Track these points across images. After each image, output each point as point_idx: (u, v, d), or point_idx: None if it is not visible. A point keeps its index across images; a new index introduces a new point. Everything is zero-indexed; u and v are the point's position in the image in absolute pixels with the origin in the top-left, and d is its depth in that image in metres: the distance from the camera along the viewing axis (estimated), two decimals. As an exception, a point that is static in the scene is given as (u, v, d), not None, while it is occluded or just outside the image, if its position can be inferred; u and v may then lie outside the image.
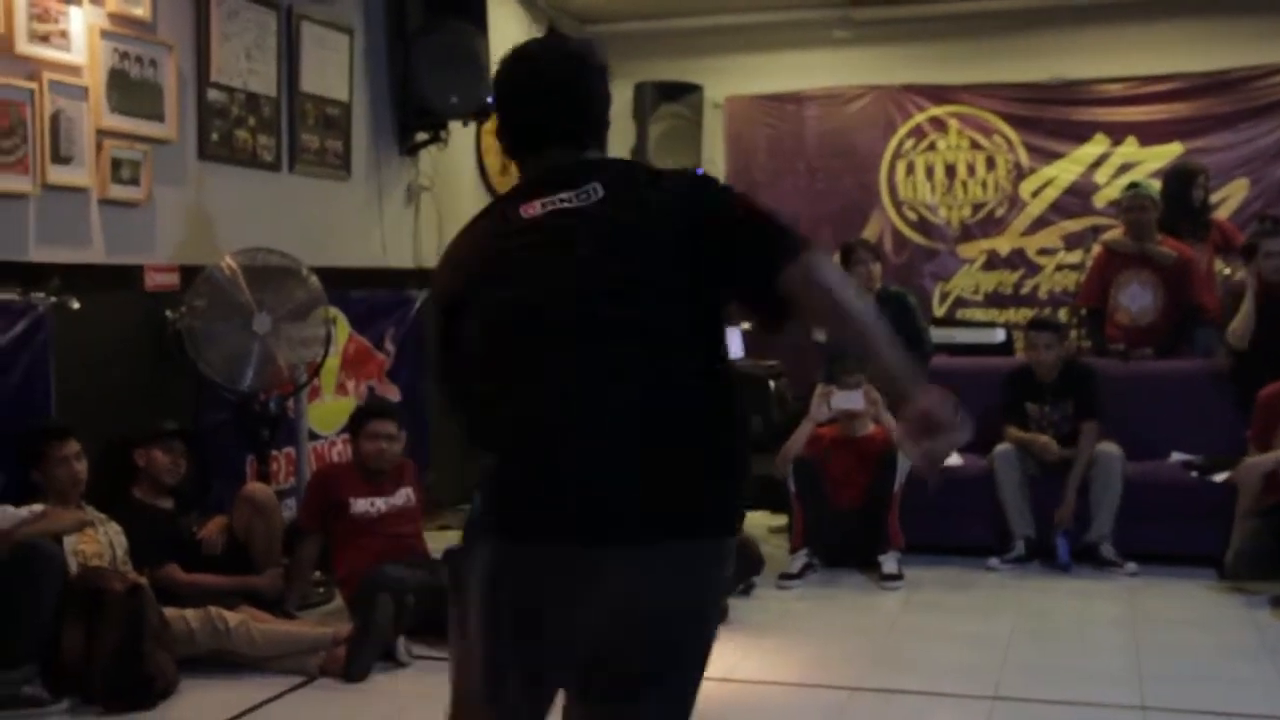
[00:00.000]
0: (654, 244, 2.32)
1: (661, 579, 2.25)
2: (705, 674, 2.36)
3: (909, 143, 9.18)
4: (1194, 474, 6.35)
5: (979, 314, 8.93)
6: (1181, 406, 6.63)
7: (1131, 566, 6.15)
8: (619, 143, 9.18)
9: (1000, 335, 8.21)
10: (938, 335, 7.71)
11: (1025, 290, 9.02)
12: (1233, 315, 6.62)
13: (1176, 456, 6.52)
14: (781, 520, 6.68)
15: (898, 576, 6.03)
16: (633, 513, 2.22)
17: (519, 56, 2.52)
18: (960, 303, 9.12)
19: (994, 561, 6.32)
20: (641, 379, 2.25)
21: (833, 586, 6.08)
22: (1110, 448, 6.29)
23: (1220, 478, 6.14)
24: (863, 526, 6.18)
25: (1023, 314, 8.68)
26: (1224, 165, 8.45)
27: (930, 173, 9.16)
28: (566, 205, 2.34)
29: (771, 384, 7.85)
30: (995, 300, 9.06)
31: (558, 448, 2.24)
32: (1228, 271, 7.31)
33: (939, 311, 9.03)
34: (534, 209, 2.35)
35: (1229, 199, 8.47)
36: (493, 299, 2.34)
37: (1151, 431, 6.55)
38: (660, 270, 2.30)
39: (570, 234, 2.32)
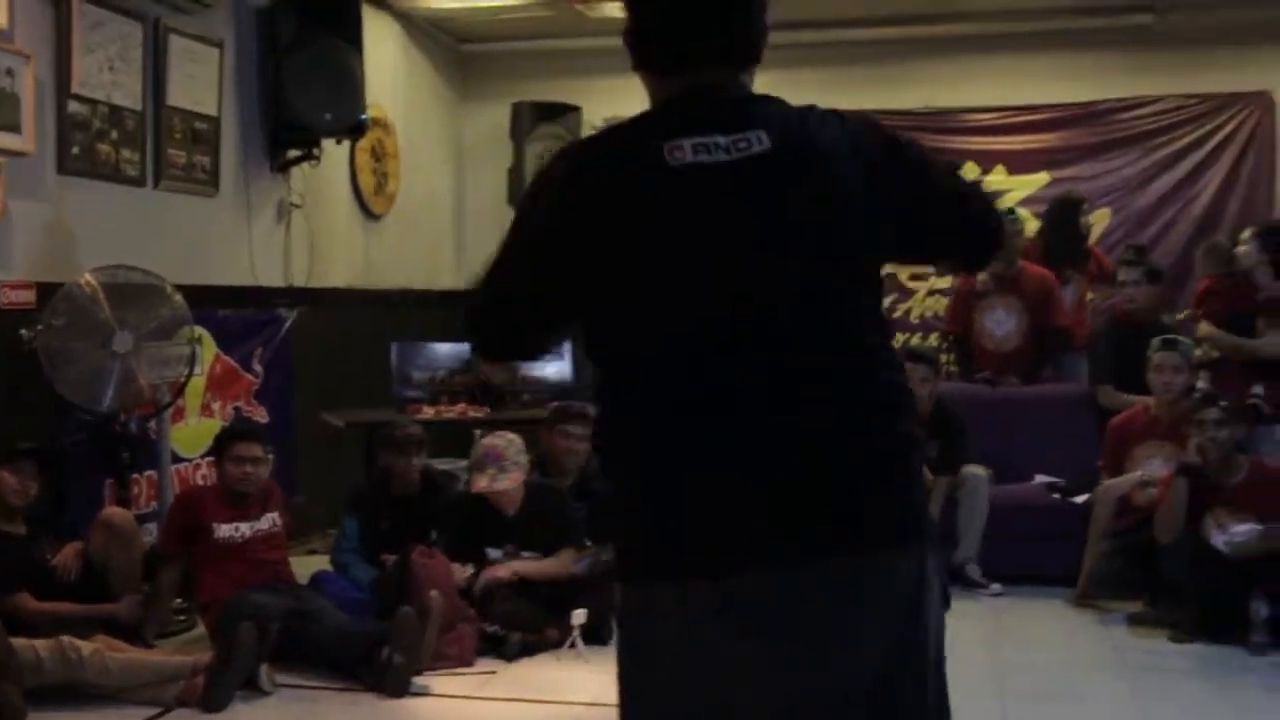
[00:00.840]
0: (838, 224, 1.94)
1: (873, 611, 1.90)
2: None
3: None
4: (1057, 496, 6.50)
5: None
6: (1045, 430, 6.77)
7: (996, 587, 6.25)
8: (496, 163, 9.21)
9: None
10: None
11: (898, 314, 9.14)
12: (1102, 341, 6.82)
13: (1040, 479, 6.66)
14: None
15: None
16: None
17: None
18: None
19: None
20: (838, 398, 1.92)
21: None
22: (977, 470, 6.40)
23: (1080, 499, 6.30)
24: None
25: (896, 338, 8.82)
26: (1090, 194, 8.64)
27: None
28: (723, 158, 1.90)
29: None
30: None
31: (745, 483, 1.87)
32: (1097, 299, 7.51)
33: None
34: (683, 152, 1.90)
35: (1096, 224, 8.70)
36: (642, 282, 1.93)
37: (1016, 455, 6.69)
38: (845, 256, 1.95)
39: (735, 204, 1.91)
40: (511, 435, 5.64)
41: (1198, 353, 6.37)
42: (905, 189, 2.00)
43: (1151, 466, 5.96)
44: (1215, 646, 5.32)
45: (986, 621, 5.82)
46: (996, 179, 8.97)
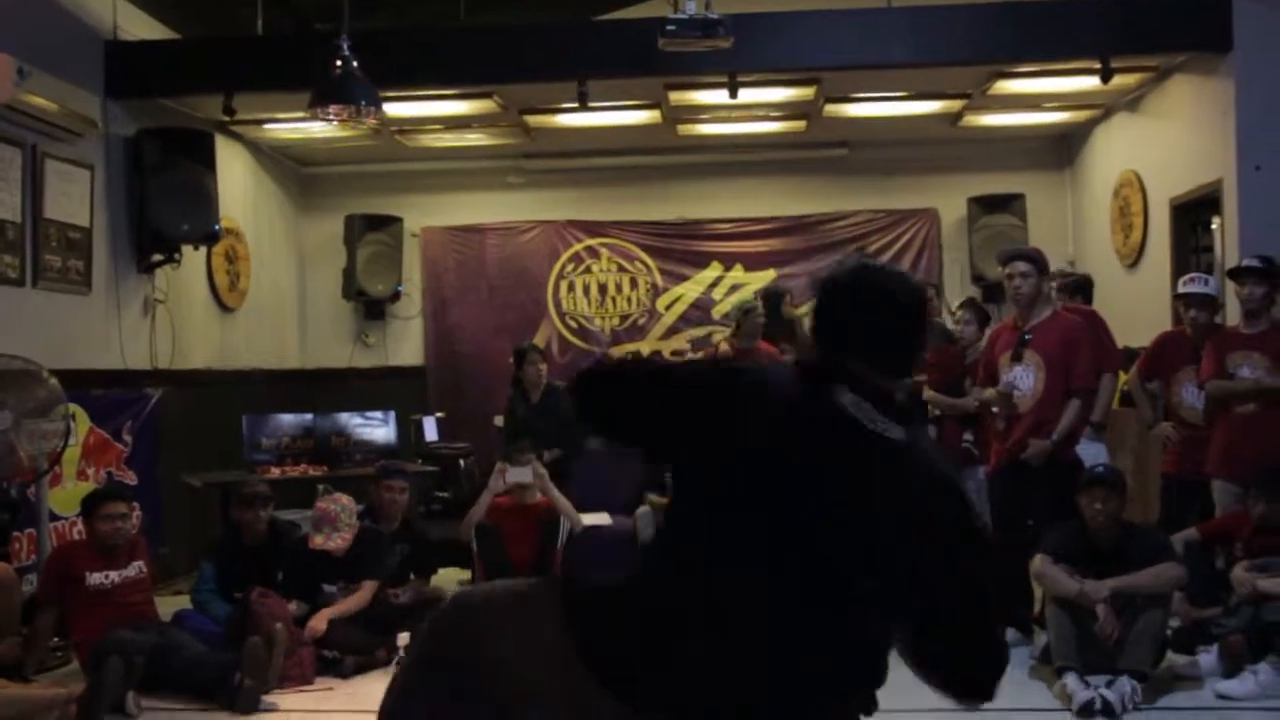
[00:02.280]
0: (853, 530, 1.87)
1: None
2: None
3: (570, 266, 9.35)
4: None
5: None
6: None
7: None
8: (331, 265, 9.05)
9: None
10: (593, 419, 7.84)
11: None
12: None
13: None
14: (467, 575, 6.60)
15: (561, 615, 6.03)
16: None
17: (882, 277, 2.07)
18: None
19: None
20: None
21: (509, 627, 6.01)
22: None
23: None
24: (533, 577, 6.16)
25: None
26: (806, 287, 8.97)
27: (587, 290, 9.34)
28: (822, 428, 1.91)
29: (462, 463, 7.79)
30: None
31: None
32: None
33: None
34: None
35: (810, 312, 8.98)
36: (735, 469, 1.92)
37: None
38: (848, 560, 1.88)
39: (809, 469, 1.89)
40: (345, 500, 5.50)
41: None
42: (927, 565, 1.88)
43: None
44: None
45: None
46: (736, 275, 9.22)
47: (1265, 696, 4.42)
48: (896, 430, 1.93)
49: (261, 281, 8.59)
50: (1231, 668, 4.66)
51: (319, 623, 5.09)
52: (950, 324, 6.67)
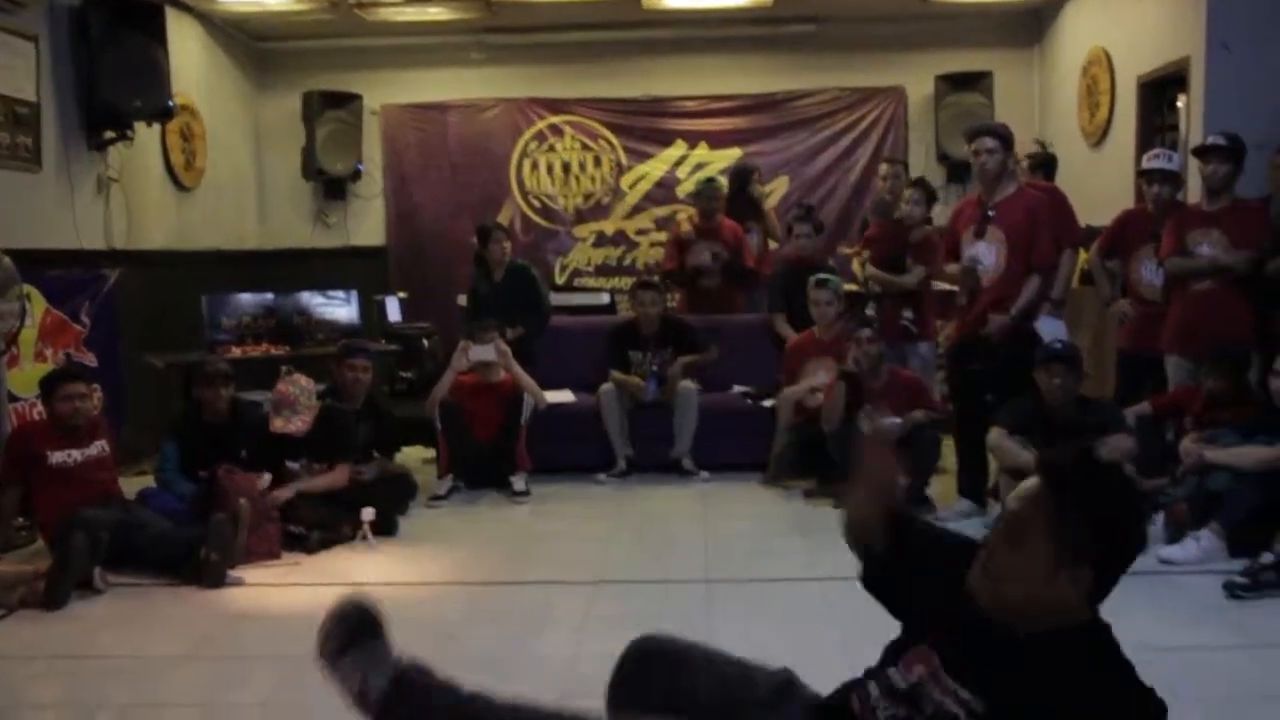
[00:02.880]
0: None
1: None
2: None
3: (533, 144, 9.22)
4: (750, 401, 6.72)
5: (591, 282, 9.11)
6: (738, 350, 6.98)
7: (705, 475, 6.46)
8: (290, 144, 8.88)
9: (605, 298, 8.42)
10: (558, 299, 7.84)
11: (627, 262, 9.24)
12: (777, 281, 7.04)
13: (736, 389, 6.88)
14: (431, 453, 6.65)
15: (525, 493, 6.12)
16: None
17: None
18: (576, 273, 9.26)
19: (602, 477, 6.50)
20: None
21: (474, 504, 6.08)
22: (688, 384, 6.57)
23: (767, 403, 6.54)
24: (497, 454, 6.22)
25: (625, 281, 8.91)
26: (771, 166, 8.91)
27: (550, 169, 9.23)
28: None
29: (425, 342, 7.79)
30: (604, 271, 9.26)
31: None
32: (775, 245, 7.75)
33: (560, 281, 9.14)
34: None
35: (775, 192, 8.95)
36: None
37: (716, 370, 6.85)
38: None
39: None
40: (304, 382, 5.47)
41: (850, 287, 6.66)
42: None
43: (818, 377, 6.23)
44: (866, 510, 5.62)
45: (699, 503, 6.00)
46: (701, 153, 9.13)
47: (1205, 561, 4.56)
48: None
49: (218, 160, 8.43)
50: (1175, 534, 4.80)
51: (284, 492, 5.13)
52: (906, 195, 6.67)
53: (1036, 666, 1.79)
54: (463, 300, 7.47)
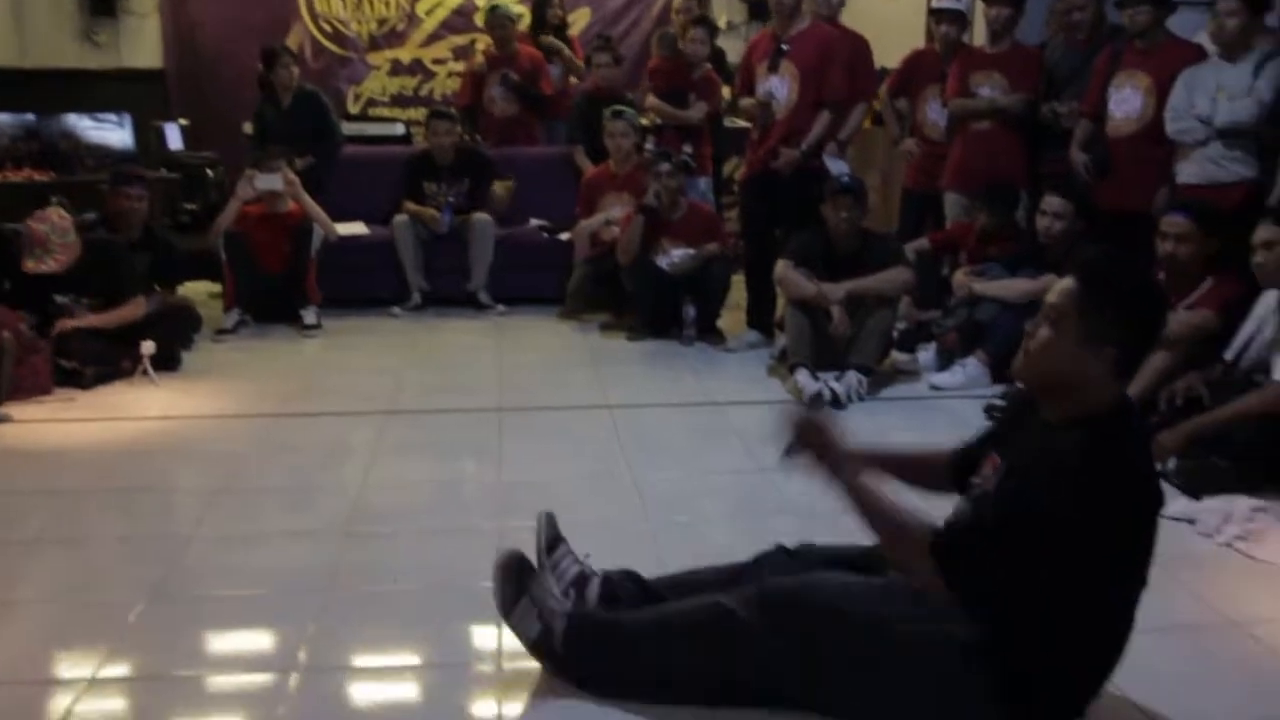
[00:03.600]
0: None
1: None
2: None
3: (322, -37, 8.73)
4: (545, 235, 6.71)
5: (386, 112, 8.80)
6: (536, 183, 6.91)
7: (501, 308, 6.45)
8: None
9: (400, 129, 8.16)
10: (351, 129, 7.57)
11: (423, 93, 8.94)
12: (577, 112, 6.96)
13: (533, 222, 6.84)
14: (217, 288, 6.40)
15: (316, 326, 5.98)
16: None
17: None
18: (371, 103, 8.91)
19: (396, 310, 6.41)
20: None
21: (262, 339, 5.90)
22: (483, 216, 6.49)
23: (563, 236, 6.54)
24: (286, 287, 6.03)
25: (421, 113, 8.59)
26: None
27: (342, -9, 8.78)
28: None
29: (209, 172, 7.40)
30: (399, 101, 8.93)
31: None
32: (575, 81, 7.62)
33: (354, 110, 8.78)
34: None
35: (577, 22, 8.76)
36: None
37: (516, 203, 6.76)
38: None
39: None
40: (55, 218, 4.98)
41: (644, 121, 6.65)
42: None
43: (614, 210, 6.25)
44: (658, 341, 5.75)
45: (493, 335, 6.00)
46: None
47: (970, 386, 4.88)
48: None
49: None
50: (945, 362, 5.11)
51: (66, 324, 4.87)
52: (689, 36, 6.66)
53: (1054, 441, 2.10)
54: (248, 128, 7.11)
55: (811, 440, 2.23)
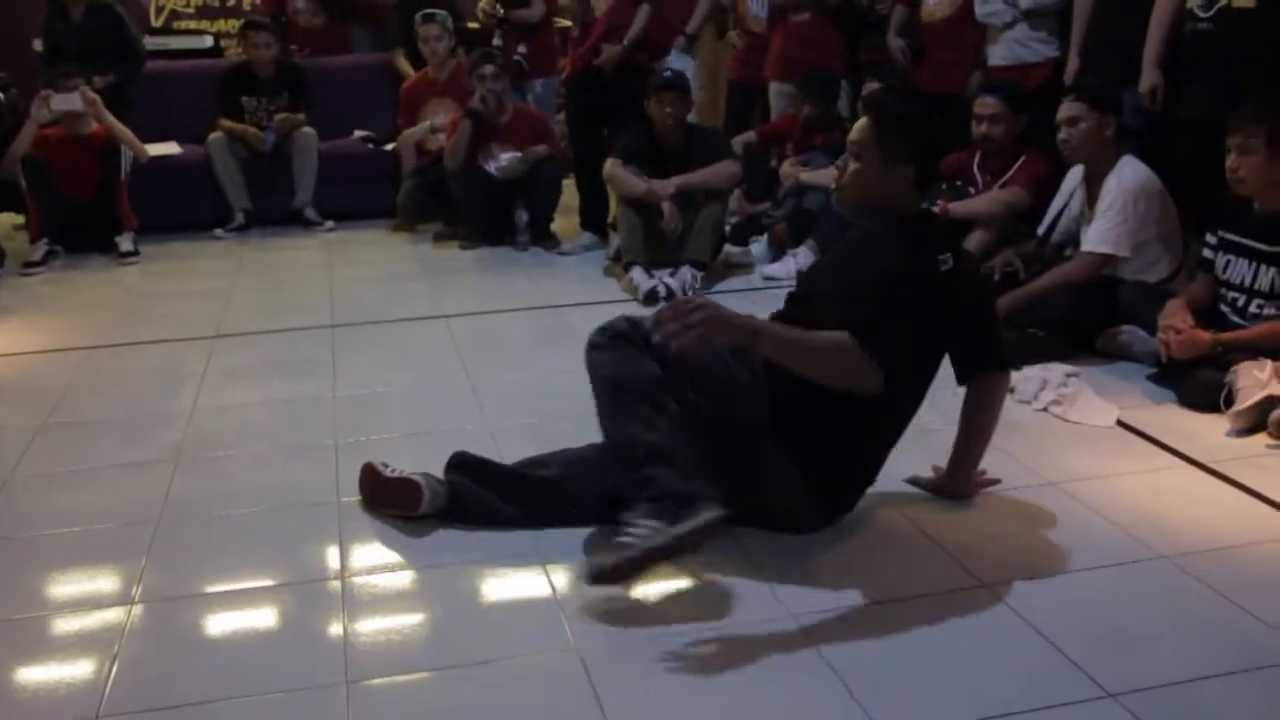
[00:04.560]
0: None
1: None
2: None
3: None
4: (370, 146, 6.52)
5: (192, 25, 8.34)
6: (356, 94, 6.70)
7: (330, 224, 6.27)
8: None
9: (208, 41, 7.77)
10: (154, 43, 7.16)
11: (231, 3, 8.51)
12: (399, 12, 6.71)
13: (357, 134, 6.63)
14: (21, 219, 6.03)
15: (134, 253, 5.71)
16: None
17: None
18: (175, 15, 8.43)
19: (219, 232, 6.17)
20: None
21: (76, 270, 5.60)
22: (307, 131, 6.26)
23: (389, 147, 6.37)
24: (98, 214, 5.73)
25: (231, 24, 8.20)
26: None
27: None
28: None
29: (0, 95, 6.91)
30: (206, 13, 8.45)
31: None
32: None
33: (156, 24, 8.29)
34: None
35: None
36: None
37: (334, 116, 6.53)
38: None
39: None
40: None
41: (479, 19, 6.43)
42: None
43: (438, 117, 6.10)
44: (492, 249, 5.70)
45: (323, 252, 5.84)
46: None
47: (803, 275, 4.99)
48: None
49: None
50: (777, 253, 5.21)
51: None
52: None
53: (871, 229, 2.60)
54: (39, 45, 6.65)
55: (694, 319, 2.21)
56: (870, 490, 2.69)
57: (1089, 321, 3.87)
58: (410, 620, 2.35)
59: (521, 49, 6.30)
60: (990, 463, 2.87)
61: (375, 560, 2.57)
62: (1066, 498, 2.84)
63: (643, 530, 2.24)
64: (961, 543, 2.57)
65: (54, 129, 5.68)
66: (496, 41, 6.30)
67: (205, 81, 6.42)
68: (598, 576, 2.27)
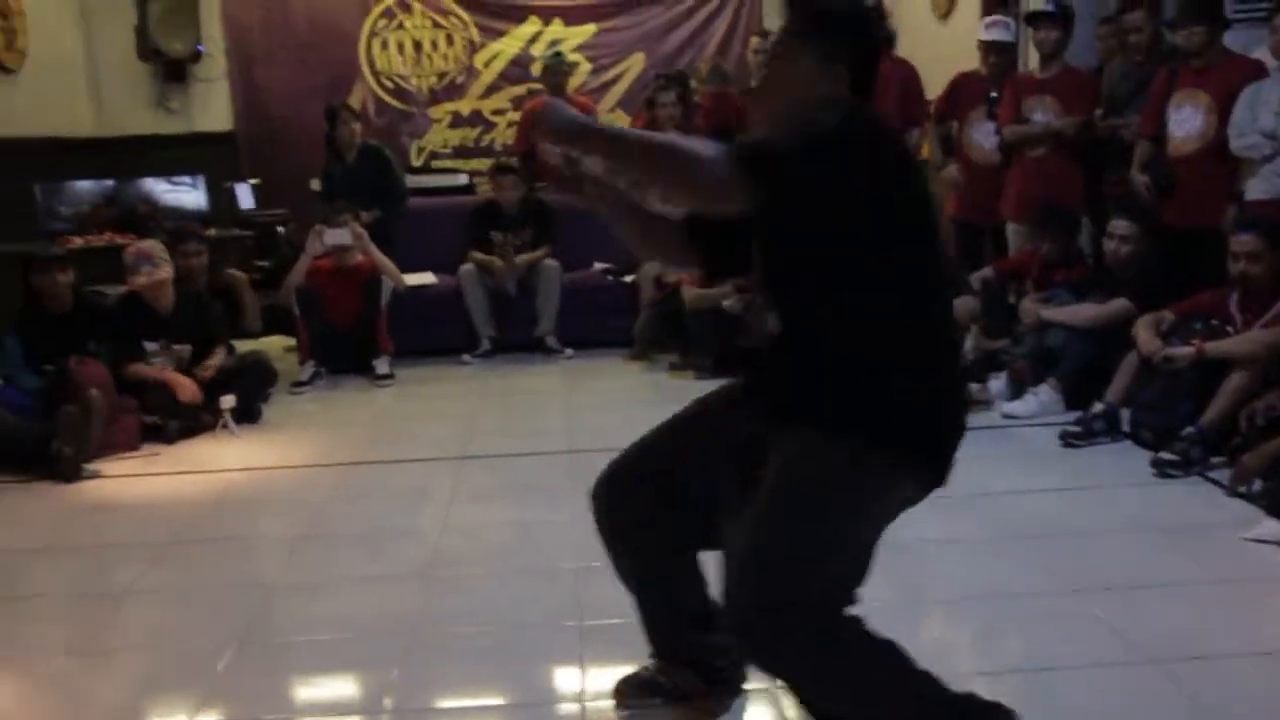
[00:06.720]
0: None
1: None
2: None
3: (381, 22, 8.90)
4: (611, 277, 6.75)
5: (448, 164, 8.94)
6: (600, 228, 6.92)
7: (569, 352, 6.50)
8: (119, 22, 8.38)
9: (463, 179, 8.29)
10: (415, 182, 7.69)
11: (484, 143, 9.08)
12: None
13: (598, 265, 6.89)
14: (292, 342, 6.52)
15: (389, 376, 6.08)
16: None
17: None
18: (433, 155, 9.07)
19: (466, 357, 6.49)
20: None
21: (337, 390, 6.02)
22: (550, 263, 6.56)
23: (629, 279, 6.58)
24: (358, 339, 6.15)
25: (483, 163, 8.74)
26: (627, 42, 8.84)
27: (401, 48, 8.95)
28: None
29: (280, 229, 7.57)
30: (461, 152, 9.09)
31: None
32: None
33: (417, 163, 8.94)
34: None
35: (631, 69, 8.88)
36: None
37: (579, 247, 6.78)
38: None
39: None
40: (150, 241, 5.36)
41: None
42: None
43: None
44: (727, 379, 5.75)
45: (562, 379, 6.05)
46: (555, 29, 8.96)
47: (1044, 414, 4.81)
48: None
49: (42, 41, 7.92)
50: (1016, 390, 5.05)
51: (205, 372, 5.15)
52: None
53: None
54: (316, 185, 7.27)
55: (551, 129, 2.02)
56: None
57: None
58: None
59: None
60: (1260, 621, 2.66)
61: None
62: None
63: None
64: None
65: (325, 261, 6.15)
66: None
67: (458, 216, 6.83)
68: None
